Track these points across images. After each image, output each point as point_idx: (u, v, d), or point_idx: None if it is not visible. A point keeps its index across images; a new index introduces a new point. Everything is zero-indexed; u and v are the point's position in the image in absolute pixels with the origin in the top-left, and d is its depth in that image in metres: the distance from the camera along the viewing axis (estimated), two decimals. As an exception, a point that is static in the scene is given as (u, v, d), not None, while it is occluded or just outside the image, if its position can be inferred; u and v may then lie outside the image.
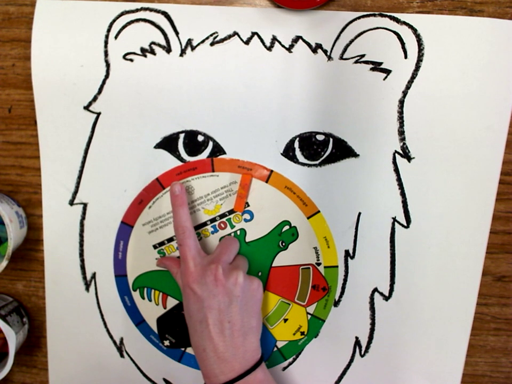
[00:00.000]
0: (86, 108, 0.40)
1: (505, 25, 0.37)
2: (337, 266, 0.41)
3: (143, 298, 0.43)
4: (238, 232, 0.41)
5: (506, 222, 0.41)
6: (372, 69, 0.38)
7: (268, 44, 0.38)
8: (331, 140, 0.39)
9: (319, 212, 0.40)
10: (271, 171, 0.40)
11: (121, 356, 0.44)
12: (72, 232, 0.42)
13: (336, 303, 0.42)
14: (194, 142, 0.40)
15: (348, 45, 0.38)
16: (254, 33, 0.38)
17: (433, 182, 0.39)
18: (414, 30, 0.37)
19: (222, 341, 0.35)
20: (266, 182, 0.40)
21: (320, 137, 0.39)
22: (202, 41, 0.39)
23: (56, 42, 0.39)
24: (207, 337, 0.35)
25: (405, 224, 0.40)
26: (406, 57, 0.38)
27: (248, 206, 0.41)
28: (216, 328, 0.35)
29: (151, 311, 0.43)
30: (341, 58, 0.38)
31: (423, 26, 0.37)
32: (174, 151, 0.40)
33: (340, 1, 0.38)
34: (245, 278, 0.37)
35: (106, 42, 0.39)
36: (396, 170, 0.39)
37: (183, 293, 0.37)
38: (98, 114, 0.40)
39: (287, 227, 0.41)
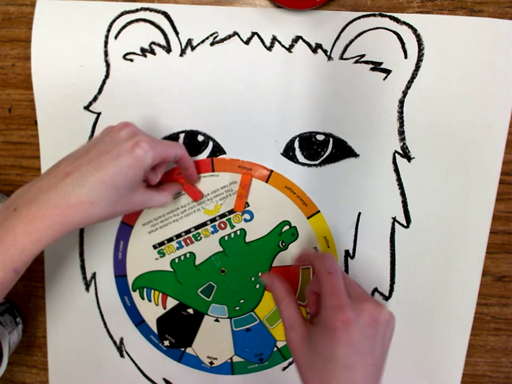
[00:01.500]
0: (86, 108, 0.40)
1: (505, 25, 0.37)
2: (337, 266, 0.41)
3: (143, 298, 0.43)
4: (238, 232, 0.41)
5: (506, 222, 0.41)
6: (372, 69, 0.38)
7: (268, 44, 0.38)
8: (331, 140, 0.39)
9: (319, 211, 0.40)
10: (271, 171, 0.40)
11: (121, 355, 0.44)
12: (72, 232, 0.42)
13: (336, 303, 0.42)
14: (194, 142, 0.40)
15: (348, 45, 0.38)
16: (254, 33, 0.38)
17: (433, 182, 0.39)
18: (414, 30, 0.37)
19: None
20: (266, 182, 0.40)
21: (320, 137, 0.39)
22: (202, 41, 0.39)
23: (56, 42, 0.39)
24: (352, 381, 0.30)
25: (405, 224, 0.40)
26: (406, 57, 0.38)
27: (248, 206, 0.41)
28: (363, 373, 0.30)
29: (151, 311, 0.43)
30: (341, 58, 0.38)
31: (423, 26, 0.37)
32: (174, 151, 0.40)
33: (340, 1, 0.38)
34: (390, 315, 0.32)
35: (106, 42, 0.39)
36: (396, 170, 0.39)
37: (323, 331, 0.31)
38: (99, 114, 0.40)
39: (287, 227, 0.41)
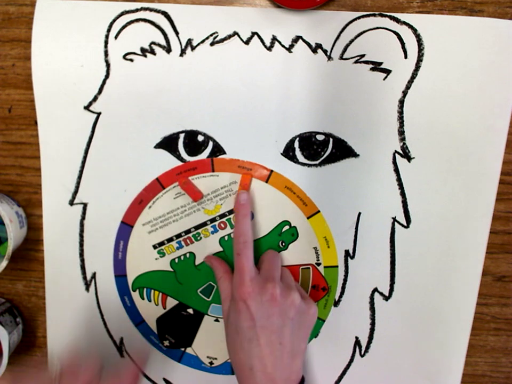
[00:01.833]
0: (86, 107, 0.40)
1: (505, 25, 0.37)
2: (337, 266, 0.41)
3: (143, 298, 0.43)
4: (238, 232, 0.41)
5: (506, 222, 0.41)
6: (372, 69, 0.38)
7: (267, 44, 0.38)
8: (331, 139, 0.39)
9: (319, 211, 0.40)
10: (271, 171, 0.40)
11: (121, 355, 0.44)
12: (72, 232, 0.42)
13: (336, 303, 0.42)
14: (194, 142, 0.40)
15: (347, 45, 0.38)
16: (254, 33, 0.38)
17: (433, 182, 0.39)
18: (414, 30, 0.37)
19: (271, 361, 0.34)
20: (266, 182, 0.40)
21: (320, 137, 0.39)
22: (202, 41, 0.39)
23: (56, 42, 0.39)
24: (257, 356, 0.34)
25: (405, 224, 0.40)
26: (406, 57, 0.38)
27: (248, 206, 0.41)
28: (267, 348, 0.34)
29: (151, 311, 0.43)
30: (341, 58, 0.38)
31: (423, 26, 0.37)
32: (174, 151, 0.40)
33: (340, 1, 0.38)
34: (301, 301, 0.36)
35: (106, 42, 0.39)
36: (396, 170, 0.39)
37: (232, 305, 0.36)
38: (99, 114, 0.40)
39: (287, 227, 0.41)
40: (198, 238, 0.41)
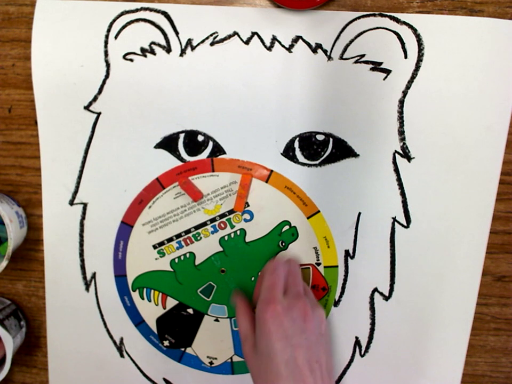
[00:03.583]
0: (86, 107, 0.40)
1: (505, 25, 0.37)
2: (337, 266, 0.41)
3: (143, 298, 0.43)
4: (238, 232, 0.41)
5: (506, 222, 0.41)
6: (372, 69, 0.38)
7: (268, 44, 0.38)
8: (331, 140, 0.39)
9: (319, 211, 0.40)
10: (271, 171, 0.40)
11: (121, 355, 0.44)
12: (72, 232, 0.42)
13: (336, 303, 0.42)
14: (194, 142, 0.40)
15: (347, 45, 0.38)
16: (254, 33, 0.38)
17: (433, 182, 0.39)
18: (414, 30, 0.37)
19: (313, 383, 0.30)
20: (266, 182, 0.40)
21: (320, 137, 0.39)
22: (202, 41, 0.39)
23: (56, 42, 0.39)
24: (299, 379, 0.30)
25: (405, 224, 0.40)
26: (406, 57, 0.38)
27: (248, 206, 0.41)
28: (306, 369, 0.30)
29: (151, 311, 0.43)
30: (341, 58, 0.38)
31: (423, 26, 0.37)
32: (174, 151, 0.40)
33: (339, 1, 0.38)
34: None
35: (106, 42, 0.39)
36: (396, 170, 0.39)
37: (260, 329, 0.32)
38: (99, 114, 0.40)
39: (287, 227, 0.41)
40: (198, 238, 0.41)
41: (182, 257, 0.42)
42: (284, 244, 0.41)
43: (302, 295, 0.34)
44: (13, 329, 0.41)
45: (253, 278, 0.42)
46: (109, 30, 0.39)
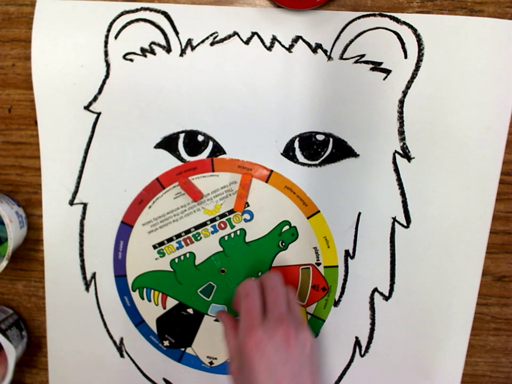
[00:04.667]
0: (86, 107, 0.40)
1: (505, 25, 0.37)
2: (337, 266, 0.41)
3: (143, 298, 0.43)
4: (238, 232, 0.41)
5: (506, 222, 0.41)
6: (372, 69, 0.38)
7: (268, 44, 0.38)
8: (331, 139, 0.39)
9: (319, 211, 0.40)
10: (271, 171, 0.40)
11: (121, 355, 0.44)
12: (72, 232, 0.42)
13: (336, 303, 0.42)
14: (194, 142, 0.40)
15: (347, 45, 0.38)
16: (254, 33, 0.38)
17: (433, 182, 0.39)
18: (414, 30, 0.37)
19: None
20: (266, 182, 0.40)
21: (320, 137, 0.39)
22: (202, 41, 0.39)
23: (56, 42, 0.39)
24: None
25: (405, 224, 0.40)
26: (406, 57, 0.38)
27: (248, 206, 0.41)
28: None
29: (151, 311, 0.43)
30: (341, 58, 0.38)
31: (423, 26, 0.37)
32: (174, 151, 0.40)
33: (339, 1, 0.38)
34: (311, 333, 0.32)
35: (106, 42, 0.39)
36: (396, 170, 0.39)
37: (243, 359, 0.31)
38: (99, 114, 0.40)
39: (287, 227, 0.41)
40: (198, 238, 0.41)
41: (182, 257, 0.42)
42: (284, 244, 0.41)
43: (284, 317, 0.32)
44: (14, 340, 0.41)
45: (253, 278, 0.42)
46: (109, 30, 0.39)
